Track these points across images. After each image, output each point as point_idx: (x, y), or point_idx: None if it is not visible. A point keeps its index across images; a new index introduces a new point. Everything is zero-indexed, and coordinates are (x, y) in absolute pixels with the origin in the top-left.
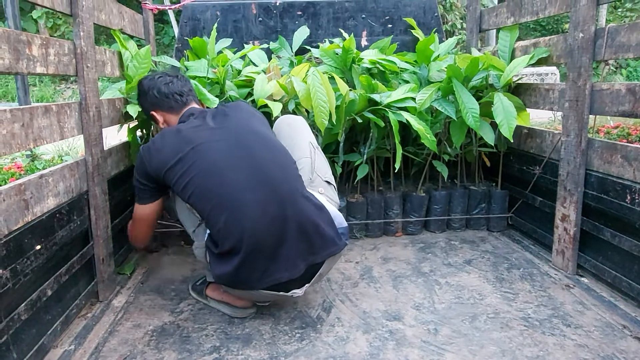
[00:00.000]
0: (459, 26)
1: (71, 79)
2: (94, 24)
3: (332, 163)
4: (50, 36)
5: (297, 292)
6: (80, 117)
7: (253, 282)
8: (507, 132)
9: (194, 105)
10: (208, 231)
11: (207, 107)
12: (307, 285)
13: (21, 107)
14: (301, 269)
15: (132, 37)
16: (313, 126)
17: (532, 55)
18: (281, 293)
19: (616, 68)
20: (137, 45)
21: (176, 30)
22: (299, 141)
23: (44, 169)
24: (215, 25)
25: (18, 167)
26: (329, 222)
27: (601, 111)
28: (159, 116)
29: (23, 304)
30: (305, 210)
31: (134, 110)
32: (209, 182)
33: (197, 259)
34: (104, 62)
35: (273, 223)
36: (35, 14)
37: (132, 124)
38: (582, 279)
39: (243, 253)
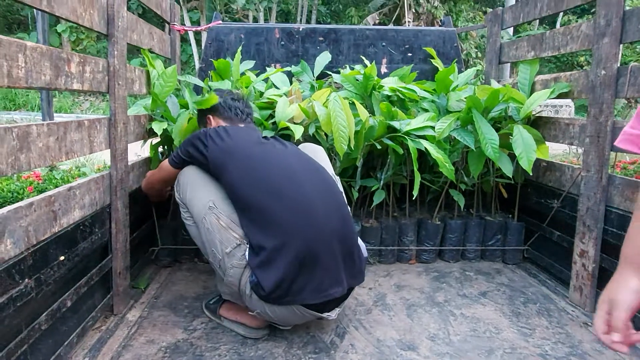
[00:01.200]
0: (473, 55)
1: None
2: (127, 43)
3: (349, 187)
4: (72, 49)
5: (331, 315)
6: (108, 132)
7: (307, 293)
8: (526, 165)
9: (251, 126)
10: (248, 247)
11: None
12: (337, 309)
13: (57, 121)
14: (345, 287)
15: (159, 56)
16: (332, 150)
17: (553, 90)
18: (316, 313)
19: (632, 101)
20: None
21: (194, 48)
22: None
23: (61, 179)
24: (240, 48)
25: (36, 176)
26: (361, 250)
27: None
28: (213, 121)
29: (44, 314)
30: (353, 233)
31: (158, 127)
32: (284, 181)
33: (228, 281)
34: (133, 80)
35: (333, 235)
36: (59, 27)
37: (155, 140)
38: None
39: (303, 256)
